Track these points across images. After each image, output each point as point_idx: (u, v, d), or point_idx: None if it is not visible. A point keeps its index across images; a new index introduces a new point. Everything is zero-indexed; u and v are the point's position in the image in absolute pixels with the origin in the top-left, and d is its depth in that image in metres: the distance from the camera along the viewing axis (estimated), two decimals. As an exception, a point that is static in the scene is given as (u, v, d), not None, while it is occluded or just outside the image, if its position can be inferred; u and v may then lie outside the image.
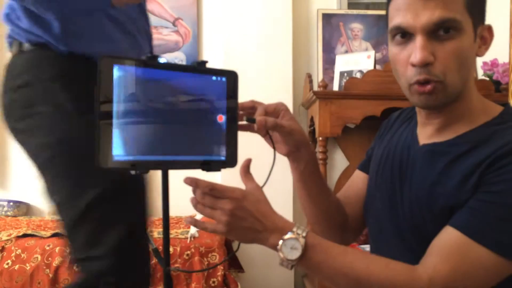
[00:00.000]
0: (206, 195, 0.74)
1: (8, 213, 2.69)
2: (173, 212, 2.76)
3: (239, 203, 0.73)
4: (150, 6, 2.79)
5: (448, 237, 0.72)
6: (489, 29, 0.81)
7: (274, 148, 0.87)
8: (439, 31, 0.74)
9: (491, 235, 0.70)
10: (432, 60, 0.75)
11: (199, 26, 2.82)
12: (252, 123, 0.83)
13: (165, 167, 0.80)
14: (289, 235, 0.73)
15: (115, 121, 0.71)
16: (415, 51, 0.75)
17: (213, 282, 2.02)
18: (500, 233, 0.70)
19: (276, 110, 0.85)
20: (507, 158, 0.71)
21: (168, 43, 2.81)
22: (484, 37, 0.80)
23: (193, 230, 2.20)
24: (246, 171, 0.79)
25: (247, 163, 0.80)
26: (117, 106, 0.71)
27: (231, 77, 0.83)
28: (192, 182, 0.74)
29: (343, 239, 1.00)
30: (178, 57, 2.80)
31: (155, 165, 0.76)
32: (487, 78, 2.36)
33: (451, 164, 0.78)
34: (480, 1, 0.78)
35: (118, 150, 0.72)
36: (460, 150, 0.78)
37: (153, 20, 2.79)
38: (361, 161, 1.04)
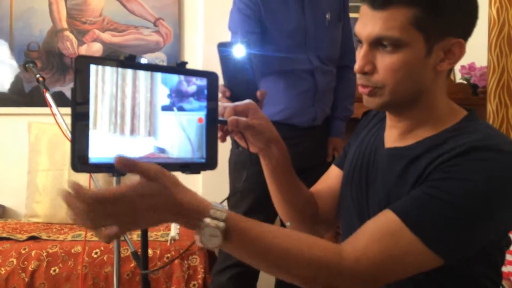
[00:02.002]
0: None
1: (-17, 216, 2.62)
2: (153, 214, 2.73)
3: (127, 204, 0.63)
4: (130, 6, 2.76)
5: (385, 219, 0.73)
6: (460, 44, 0.78)
7: (248, 147, 0.87)
8: (382, 43, 0.77)
9: (428, 229, 0.71)
10: (369, 69, 0.79)
11: (181, 26, 2.80)
12: (224, 124, 0.83)
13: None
14: (207, 222, 0.67)
15: (91, 122, 0.70)
16: (357, 58, 0.80)
17: (194, 285, 2.00)
18: (438, 229, 0.70)
19: (246, 109, 0.85)
20: (461, 157, 0.72)
21: (149, 44, 2.78)
22: (452, 51, 0.78)
23: (173, 232, 2.18)
24: (130, 163, 0.65)
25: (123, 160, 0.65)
26: (94, 107, 0.70)
27: (212, 78, 0.82)
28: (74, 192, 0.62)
29: (315, 231, 1.02)
30: (159, 58, 2.78)
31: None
32: (465, 82, 2.40)
33: (406, 167, 0.79)
34: (439, 17, 0.75)
35: (95, 152, 0.70)
36: (415, 153, 0.79)
37: (134, 20, 2.76)
38: (338, 157, 1.06)
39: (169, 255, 2.04)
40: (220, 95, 0.89)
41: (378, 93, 0.79)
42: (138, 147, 0.74)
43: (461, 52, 0.79)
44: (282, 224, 1.05)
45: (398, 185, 0.79)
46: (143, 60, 2.89)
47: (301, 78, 1.76)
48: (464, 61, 2.35)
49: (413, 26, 0.75)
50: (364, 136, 0.96)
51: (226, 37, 2.56)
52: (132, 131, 0.74)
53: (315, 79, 1.77)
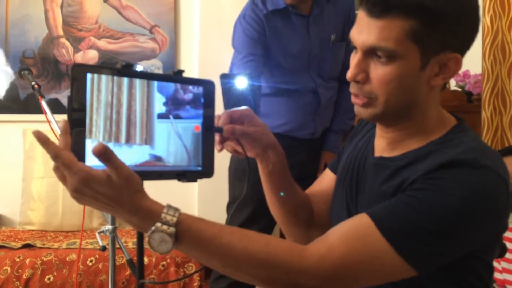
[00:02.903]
0: (56, 160, 0.64)
1: (-23, 224, 2.60)
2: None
3: (84, 182, 0.63)
4: (126, 13, 2.77)
5: (359, 222, 0.72)
6: (456, 59, 0.76)
7: (245, 153, 0.87)
8: (377, 53, 0.75)
9: (402, 237, 0.69)
10: (362, 78, 0.77)
11: (176, 33, 2.81)
12: (219, 132, 0.83)
13: (140, 178, 0.78)
14: (156, 226, 0.65)
15: (87, 129, 0.69)
16: (350, 66, 0.78)
17: (189, 293, 1.99)
18: (412, 238, 0.69)
19: (242, 116, 0.85)
20: (440, 171, 0.72)
21: (145, 51, 2.78)
22: (448, 66, 0.76)
23: (169, 240, 2.17)
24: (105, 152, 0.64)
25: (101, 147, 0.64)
26: (90, 115, 0.70)
27: (208, 86, 0.82)
28: (40, 138, 0.64)
29: (309, 235, 1.01)
30: (155, 65, 2.78)
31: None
32: (459, 89, 2.42)
33: (388, 178, 0.79)
34: (437, 30, 0.73)
35: (91, 159, 0.70)
36: (398, 165, 0.79)
37: (130, 27, 2.77)
38: (333, 160, 1.06)
39: (164, 263, 2.03)
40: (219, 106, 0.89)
41: (371, 104, 0.78)
42: (134, 155, 0.74)
43: (457, 67, 0.77)
44: (282, 235, 1.05)
45: (380, 195, 0.79)
46: (139, 67, 2.89)
47: (303, 95, 1.77)
48: (459, 68, 2.36)
49: (410, 39, 0.72)
50: (358, 142, 0.96)
51: (222, 44, 2.58)
52: (128, 140, 0.74)
53: (318, 95, 1.79)
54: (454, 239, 0.70)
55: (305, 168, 1.76)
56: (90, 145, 0.69)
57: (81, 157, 0.68)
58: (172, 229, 0.66)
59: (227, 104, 0.92)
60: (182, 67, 3.05)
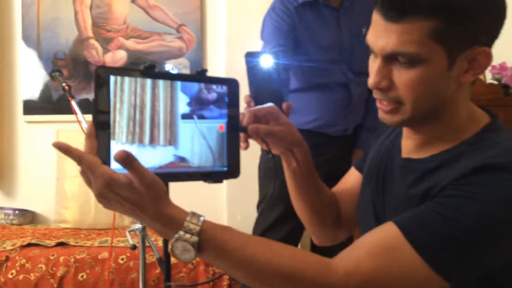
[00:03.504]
0: (81, 164, 0.65)
1: (14, 222, 2.68)
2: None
3: (107, 186, 0.64)
4: (153, 13, 2.79)
5: (386, 233, 0.68)
6: (485, 53, 0.71)
7: (270, 151, 0.85)
8: (398, 58, 0.70)
9: (433, 249, 0.66)
10: (385, 85, 0.72)
11: (203, 32, 2.81)
12: (244, 132, 0.81)
13: (165, 180, 0.78)
14: (179, 235, 0.64)
15: (112, 132, 0.69)
16: (371, 72, 0.74)
17: (219, 291, 1.99)
18: (443, 249, 0.65)
19: (267, 114, 0.83)
20: (473, 176, 0.67)
21: (172, 50, 2.80)
22: (478, 60, 0.71)
23: (198, 238, 2.18)
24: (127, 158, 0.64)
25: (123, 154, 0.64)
26: (114, 117, 0.69)
27: (232, 85, 0.81)
28: (62, 148, 0.66)
29: (336, 236, 0.99)
30: (182, 64, 2.79)
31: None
32: (496, 82, 2.32)
33: (416, 182, 0.75)
34: (462, 27, 0.68)
35: (115, 163, 0.70)
36: (427, 167, 0.75)
37: (157, 27, 2.79)
38: (359, 158, 1.03)
39: (194, 261, 2.03)
40: (244, 105, 0.88)
41: (398, 110, 0.74)
42: (158, 157, 0.73)
43: (487, 61, 0.71)
44: (313, 244, 1.03)
45: (408, 199, 0.76)
46: (168, 67, 2.90)
47: (334, 90, 1.73)
48: (495, 60, 2.27)
49: (433, 39, 0.67)
50: (384, 140, 0.93)
51: (249, 42, 2.56)
52: (152, 141, 0.73)
53: (350, 91, 1.74)
54: (489, 249, 0.66)
55: (336, 166, 1.73)
56: (115, 146, 0.69)
57: (106, 159, 0.68)
58: (195, 238, 0.64)
59: (251, 83, 0.89)
60: (209, 66, 3.07)
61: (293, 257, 0.68)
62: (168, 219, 0.66)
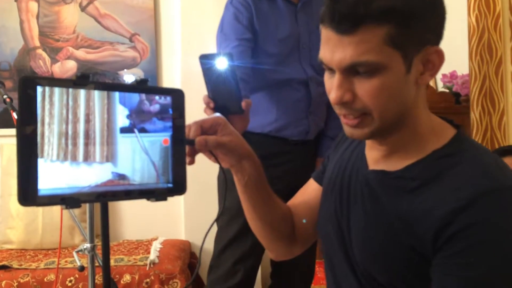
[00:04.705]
0: None
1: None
2: (133, 236, 2.64)
3: None
4: (105, 22, 2.69)
5: None
6: (437, 52, 0.71)
7: (220, 163, 0.82)
8: (357, 69, 0.69)
9: None
10: (349, 98, 0.71)
11: (158, 40, 2.74)
12: (191, 145, 0.76)
13: (103, 199, 0.71)
14: None
15: (39, 149, 0.62)
16: (332, 89, 0.72)
17: (175, 310, 1.91)
18: None
19: (214, 125, 0.79)
20: (474, 214, 0.65)
21: (126, 60, 2.71)
22: (431, 61, 0.72)
23: (153, 255, 2.09)
24: None
25: None
26: (42, 131, 0.62)
27: (177, 96, 0.76)
28: None
29: (290, 251, 0.97)
30: (136, 74, 2.71)
31: (90, 198, 0.67)
32: (447, 90, 2.38)
33: (397, 200, 0.73)
34: (413, 29, 0.68)
35: (44, 183, 0.63)
36: (409, 186, 0.73)
37: (109, 36, 2.70)
38: (317, 170, 1.00)
39: (148, 280, 1.94)
40: (191, 117, 0.83)
41: (365, 122, 0.72)
42: (94, 175, 0.67)
43: (440, 60, 0.72)
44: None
45: (387, 212, 0.73)
46: (127, 77, 2.80)
47: (294, 89, 1.69)
48: (445, 69, 2.33)
49: (388, 45, 0.67)
50: (344, 151, 0.90)
51: (204, 50, 2.51)
52: (87, 158, 0.66)
53: (309, 90, 1.71)
54: None
55: (299, 176, 1.69)
56: (43, 165, 0.62)
57: (33, 179, 0.61)
58: None
59: (208, 84, 0.90)
60: (164, 75, 2.99)
61: None
62: None
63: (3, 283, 1.88)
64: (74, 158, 0.65)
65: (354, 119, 0.72)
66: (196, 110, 0.94)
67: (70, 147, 0.65)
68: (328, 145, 1.80)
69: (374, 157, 0.80)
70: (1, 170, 2.56)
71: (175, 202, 2.59)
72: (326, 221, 0.87)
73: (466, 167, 0.69)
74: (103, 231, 0.74)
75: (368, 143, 0.81)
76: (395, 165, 0.76)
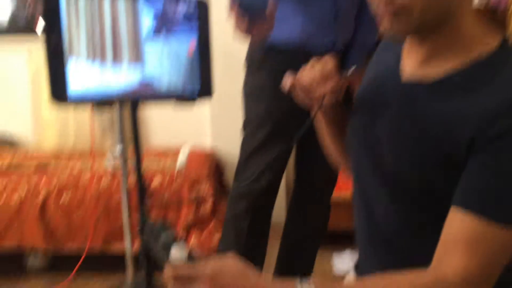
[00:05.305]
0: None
1: (-7, 146, 2.63)
2: (160, 143, 2.73)
3: (216, 280, 0.64)
4: None
5: (466, 225, 0.67)
6: None
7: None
8: None
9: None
10: None
11: None
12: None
13: (131, 102, 0.74)
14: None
15: (68, 51, 0.63)
16: None
17: (203, 211, 2.03)
18: None
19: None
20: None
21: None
22: None
23: (180, 161, 2.17)
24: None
25: None
26: (69, 32, 0.63)
27: (202, 1, 0.74)
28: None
29: None
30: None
31: (120, 99, 0.69)
32: (482, 5, 2.23)
33: (434, 106, 0.71)
34: None
35: (76, 83, 0.65)
36: (449, 92, 0.71)
37: None
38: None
39: (176, 184, 2.04)
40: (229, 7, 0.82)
41: (404, 15, 0.69)
42: (123, 77, 0.68)
43: None
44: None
45: (422, 118, 0.72)
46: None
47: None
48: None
49: None
50: (377, 61, 0.88)
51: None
52: (115, 59, 0.67)
53: (337, 2, 1.63)
54: None
55: None
56: (74, 63, 0.64)
57: (62, 81, 0.63)
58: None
59: None
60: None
61: (412, 283, 0.67)
62: (280, 285, 0.66)
63: (42, 181, 2.01)
64: (103, 59, 0.67)
65: (396, 7, 0.68)
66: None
67: (98, 48, 0.66)
68: (355, 57, 1.75)
69: (412, 64, 0.77)
70: (31, 76, 2.61)
71: (202, 110, 2.63)
72: (355, 133, 0.87)
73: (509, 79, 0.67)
74: (134, 132, 0.78)
75: (407, 47, 0.78)
76: (435, 71, 0.73)
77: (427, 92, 0.73)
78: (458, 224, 0.67)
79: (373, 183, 0.81)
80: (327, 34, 1.64)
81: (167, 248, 0.65)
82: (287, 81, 0.80)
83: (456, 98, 0.70)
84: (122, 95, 0.64)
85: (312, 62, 0.80)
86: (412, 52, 0.77)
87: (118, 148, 1.80)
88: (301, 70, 0.82)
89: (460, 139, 0.67)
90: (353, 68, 0.83)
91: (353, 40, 1.75)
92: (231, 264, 0.65)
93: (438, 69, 0.73)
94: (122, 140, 1.81)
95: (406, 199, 0.76)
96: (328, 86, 0.79)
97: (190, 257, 0.65)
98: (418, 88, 0.75)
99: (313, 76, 0.79)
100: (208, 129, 2.69)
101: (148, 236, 0.68)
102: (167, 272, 0.63)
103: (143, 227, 0.90)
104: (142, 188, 0.79)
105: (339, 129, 0.91)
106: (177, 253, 0.65)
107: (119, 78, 0.67)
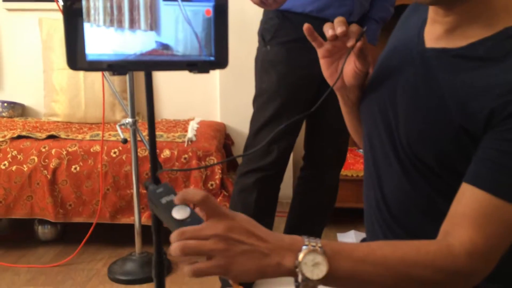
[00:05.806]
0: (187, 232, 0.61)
1: (3, 114, 2.65)
2: (170, 116, 2.73)
3: (231, 223, 0.61)
4: None
5: (476, 200, 0.66)
6: None
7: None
8: None
9: None
10: None
11: None
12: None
13: (147, 68, 0.73)
14: (305, 249, 0.61)
15: (85, 15, 0.62)
16: None
17: (211, 185, 2.04)
18: None
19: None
20: None
21: None
22: None
23: (190, 133, 2.17)
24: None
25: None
26: (87, 2, 0.62)
27: None
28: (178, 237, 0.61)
29: None
30: None
31: (134, 66, 0.68)
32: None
33: (454, 78, 0.70)
34: None
35: (92, 48, 0.64)
36: (470, 63, 0.69)
37: None
38: None
39: (186, 156, 2.05)
40: None
41: None
42: (139, 43, 0.67)
43: None
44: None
45: (441, 89, 0.71)
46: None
47: None
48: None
49: None
50: (402, 27, 0.86)
51: None
52: (131, 25, 0.66)
53: None
54: None
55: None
56: (89, 30, 0.63)
57: (81, 44, 0.62)
58: (321, 250, 0.61)
59: None
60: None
61: (419, 250, 0.66)
62: (289, 239, 0.63)
63: (53, 151, 2.02)
64: (120, 25, 0.65)
65: None
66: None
67: (115, 12, 0.65)
68: (373, 28, 1.72)
69: (435, 33, 0.75)
70: (42, 45, 2.60)
71: (211, 84, 2.62)
72: (372, 100, 0.85)
73: None
74: (148, 100, 0.77)
75: (431, 17, 0.76)
76: (457, 42, 0.72)
77: (449, 61, 0.71)
78: (467, 200, 0.67)
79: (385, 155, 0.81)
80: (344, 3, 1.60)
81: (168, 211, 0.64)
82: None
83: (478, 70, 0.68)
84: (137, 61, 0.63)
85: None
86: (437, 20, 0.74)
87: (129, 118, 1.80)
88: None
89: (479, 111, 0.66)
90: (364, 29, 0.80)
91: (371, 10, 1.71)
92: (242, 218, 0.62)
93: (462, 39, 0.71)
94: (133, 111, 1.81)
95: (417, 174, 0.75)
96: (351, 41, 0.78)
97: (193, 218, 0.64)
98: (440, 56, 0.73)
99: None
100: (218, 103, 2.68)
101: (150, 200, 0.68)
102: (173, 238, 0.60)
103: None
104: (154, 154, 0.78)
105: (354, 111, 0.90)
106: (178, 214, 0.64)
107: (135, 43, 0.66)
